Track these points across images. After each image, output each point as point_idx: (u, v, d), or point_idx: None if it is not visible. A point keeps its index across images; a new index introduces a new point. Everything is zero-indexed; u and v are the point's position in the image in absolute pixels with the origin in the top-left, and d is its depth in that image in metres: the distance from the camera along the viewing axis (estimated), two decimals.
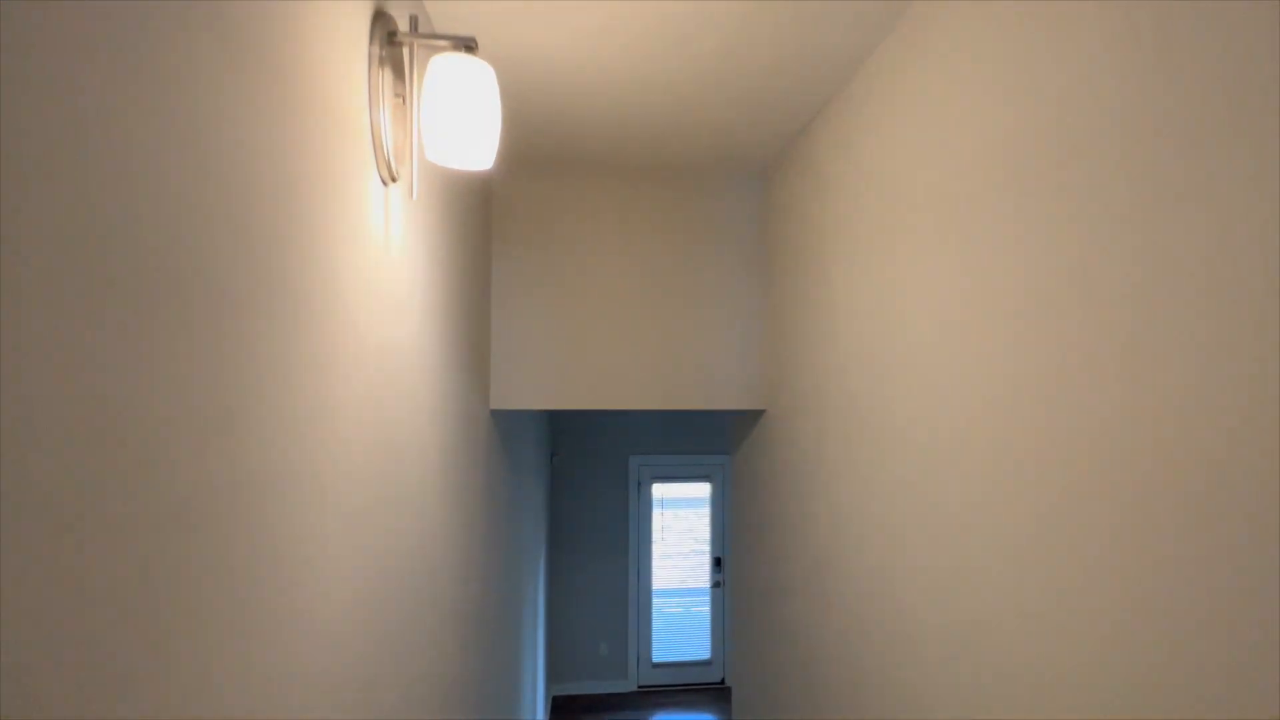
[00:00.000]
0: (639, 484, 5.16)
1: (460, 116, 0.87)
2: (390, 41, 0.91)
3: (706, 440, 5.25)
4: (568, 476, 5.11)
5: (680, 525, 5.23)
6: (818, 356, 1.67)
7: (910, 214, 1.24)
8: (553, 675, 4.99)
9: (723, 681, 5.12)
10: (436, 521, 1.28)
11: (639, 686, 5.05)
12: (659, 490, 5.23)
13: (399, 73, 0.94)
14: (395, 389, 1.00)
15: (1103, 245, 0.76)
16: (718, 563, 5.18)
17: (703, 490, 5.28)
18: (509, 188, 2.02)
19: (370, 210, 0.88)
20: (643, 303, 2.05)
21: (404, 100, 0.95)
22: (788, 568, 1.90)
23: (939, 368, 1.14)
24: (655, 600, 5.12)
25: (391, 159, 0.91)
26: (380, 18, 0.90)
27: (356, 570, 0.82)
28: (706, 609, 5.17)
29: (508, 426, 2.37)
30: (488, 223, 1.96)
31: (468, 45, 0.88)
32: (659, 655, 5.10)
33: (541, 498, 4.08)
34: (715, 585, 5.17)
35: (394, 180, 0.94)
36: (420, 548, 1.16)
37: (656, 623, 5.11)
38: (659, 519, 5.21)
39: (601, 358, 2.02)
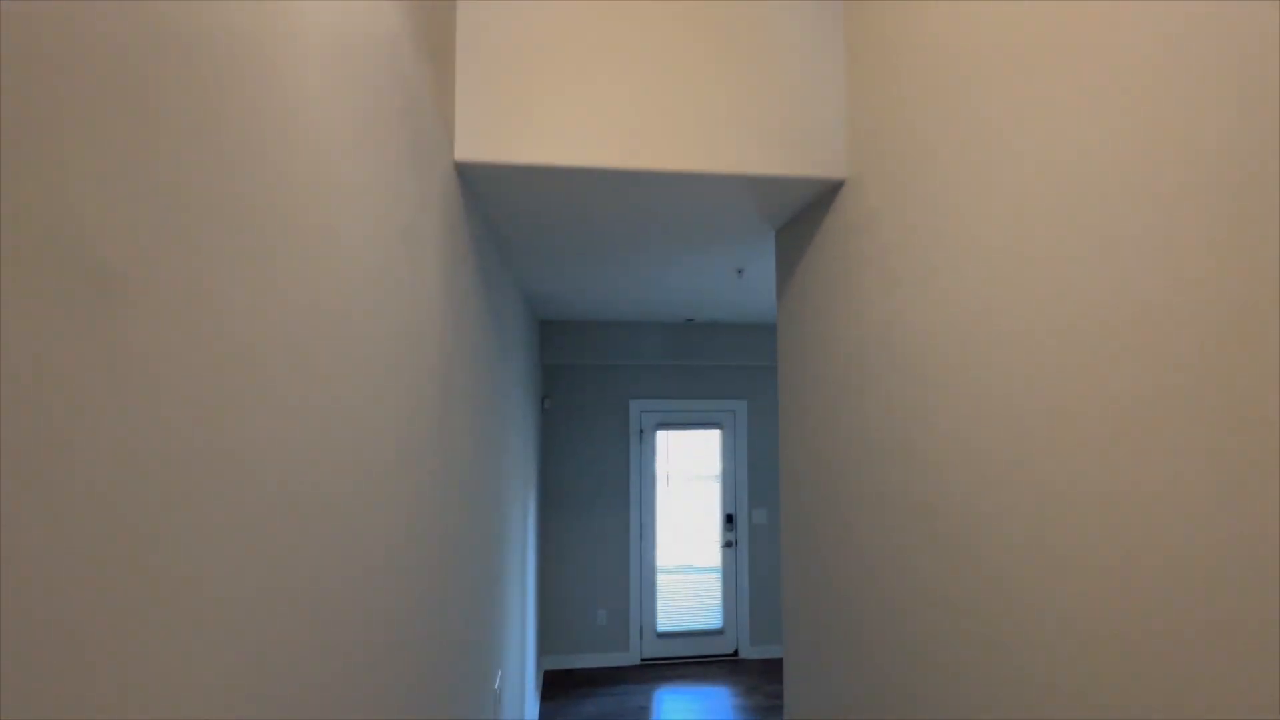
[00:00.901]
0: (641, 432, 4.57)
1: None
2: None
3: (716, 383, 4.67)
4: (561, 424, 4.51)
5: (688, 477, 4.65)
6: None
7: None
8: (544, 647, 4.40)
9: (736, 653, 4.56)
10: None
11: (642, 659, 4.48)
12: (664, 439, 4.65)
13: None
14: None
15: None
16: (729, 520, 4.61)
17: (712, 439, 4.71)
18: None
19: None
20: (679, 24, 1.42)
21: None
22: (880, 474, 1.31)
23: None
24: (660, 563, 4.54)
25: None
26: None
27: None
28: (717, 573, 4.60)
29: (483, 240, 1.75)
30: None
31: None
32: (664, 624, 4.52)
33: (531, 448, 3.49)
34: (727, 545, 4.60)
35: None
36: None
37: (661, 588, 4.54)
38: (664, 469, 4.63)
39: (620, 90, 1.38)
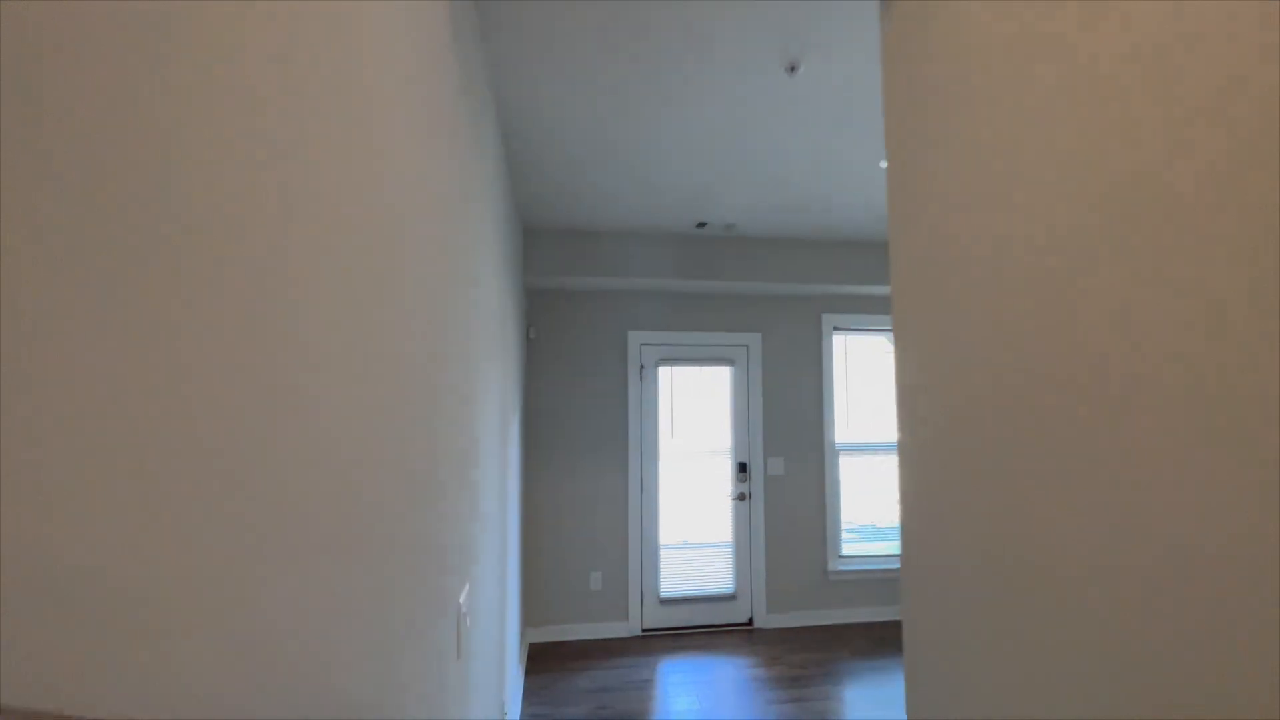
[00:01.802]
0: (641, 369, 3.97)
1: None
2: None
3: (727, 313, 4.09)
4: (549, 359, 3.89)
5: (694, 421, 4.06)
6: None
7: None
8: (529, 617, 3.77)
9: (750, 622, 3.98)
10: None
11: (643, 629, 3.87)
12: (668, 377, 4.05)
13: None
14: None
15: None
16: (742, 470, 4.03)
17: (722, 378, 4.12)
18: None
19: None
20: None
21: None
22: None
23: None
24: (664, 519, 3.94)
25: None
26: None
27: None
28: (729, 531, 4.02)
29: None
30: None
31: None
32: (669, 589, 3.92)
33: (514, 385, 2.87)
34: (740, 499, 4.02)
35: None
36: None
37: (665, 549, 3.94)
38: (668, 412, 4.03)
39: None
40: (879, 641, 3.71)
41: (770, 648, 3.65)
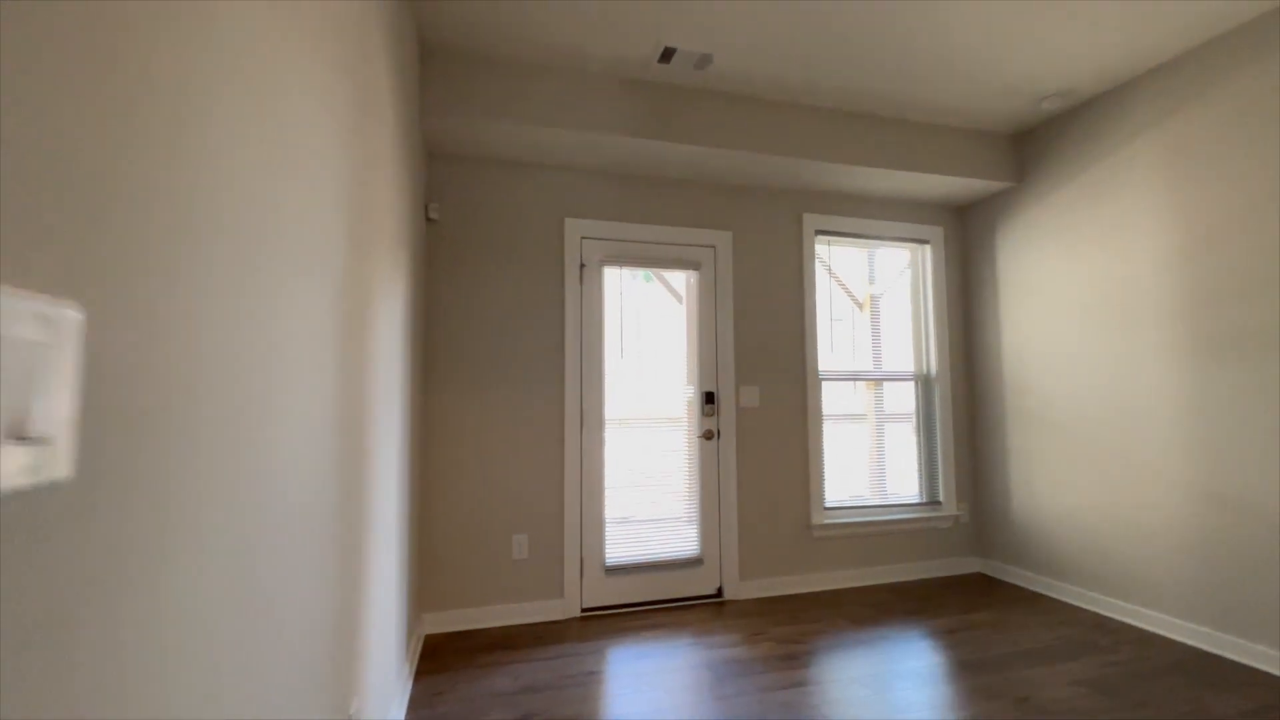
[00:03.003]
0: (582, 268, 3.04)
1: None
2: None
3: (692, 204, 3.24)
4: (457, 250, 2.88)
5: (649, 338, 3.18)
6: None
7: None
8: (424, 599, 2.74)
9: (720, 592, 3.14)
10: None
11: (584, 609, 2.94)
12: (615, 281, 3.14)
13: None
14: None
15: None
16: (709, 401, 3.19)
17: (685, 285, 3.27)
18: None
19: None
20: None
21: None
22: None
23: None
24: (610, 466, 3.03)
25: None
26: None
27: None
28: (693, 479, 3.16)
29: None
30: None
31: None
32: (616, 554, 3.02)
33: (401, 276, 1.89)
34: (707, 437, 3.18)
35: None
36: None
37: (612, 503, 3.02)
38: (616, 325, 3.12)
39: None
40: (879, 608, 2.97)
41: (748, 621, 2.82)
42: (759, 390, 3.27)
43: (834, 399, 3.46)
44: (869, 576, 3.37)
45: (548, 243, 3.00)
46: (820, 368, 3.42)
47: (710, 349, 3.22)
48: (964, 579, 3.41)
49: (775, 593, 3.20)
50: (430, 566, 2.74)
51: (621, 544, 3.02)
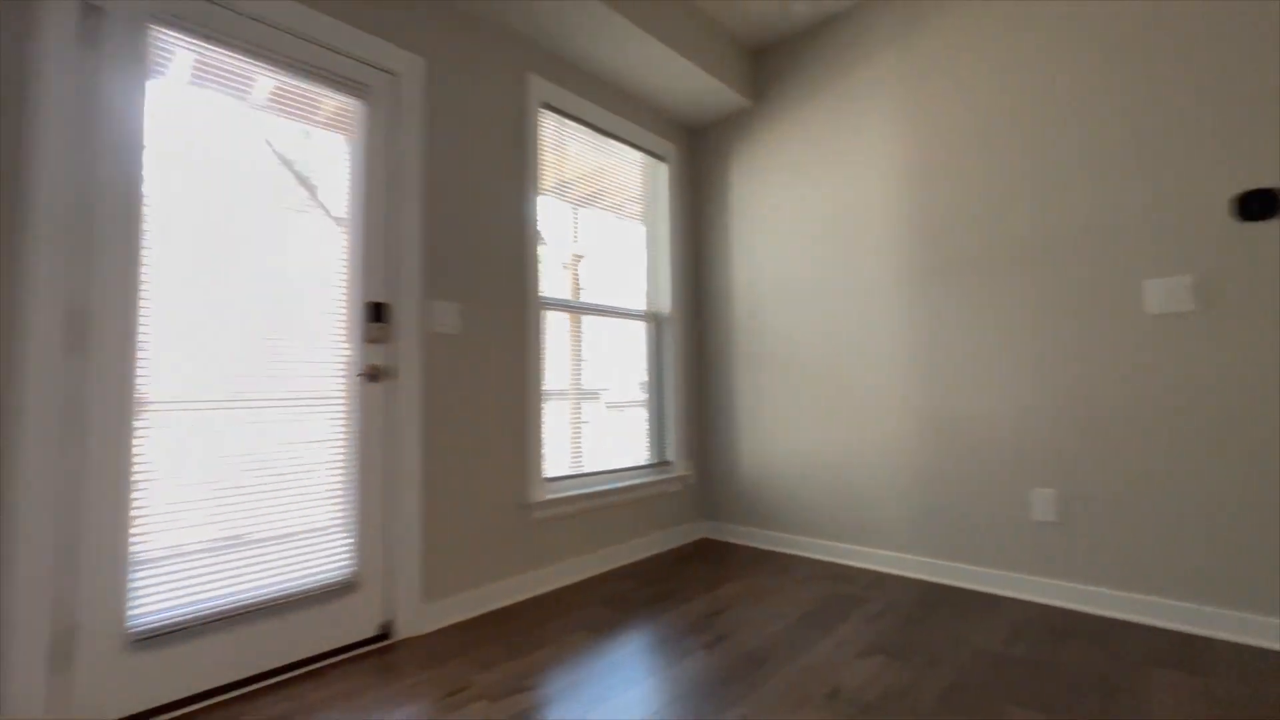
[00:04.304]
0: (88, 12, 1.45)
1: None
2: None
3: None
4: None
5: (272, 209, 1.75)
6: None
7: None
8: None
9: (387, 633, 1.93)
10: None
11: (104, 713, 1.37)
12: (180, 77, 1.62)
13: None
14: None
15: None
16: (376, 316, 1.95)
17: (341, 120, 1.94)
18: None
19: None
20: None
21: None
22: None
23: None
24: (148, 465, 1.52)
25: None
26: None
27: None
28: (341, 447, 1.87)
29: None
30: None
31: None
32: (170, 605, 1.52)
33: None
34: (369, 377, 1.93)
35: None
36: None
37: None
38: (178, 167, 1.61)
39: None
40: (619, 604, 2.22)
41: (438, 673, 1.71)
42: (459, 310, 2.17)
43: (556, 339, 2.60)
44: (601, 562, 2.61)
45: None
46: (544, 291, 2.52)
47: (378, 235, 1.98)
48: (697, 548, 2.95)
49: (482, 609, 2.15)
50: None
51: (184, 586, 1.54)
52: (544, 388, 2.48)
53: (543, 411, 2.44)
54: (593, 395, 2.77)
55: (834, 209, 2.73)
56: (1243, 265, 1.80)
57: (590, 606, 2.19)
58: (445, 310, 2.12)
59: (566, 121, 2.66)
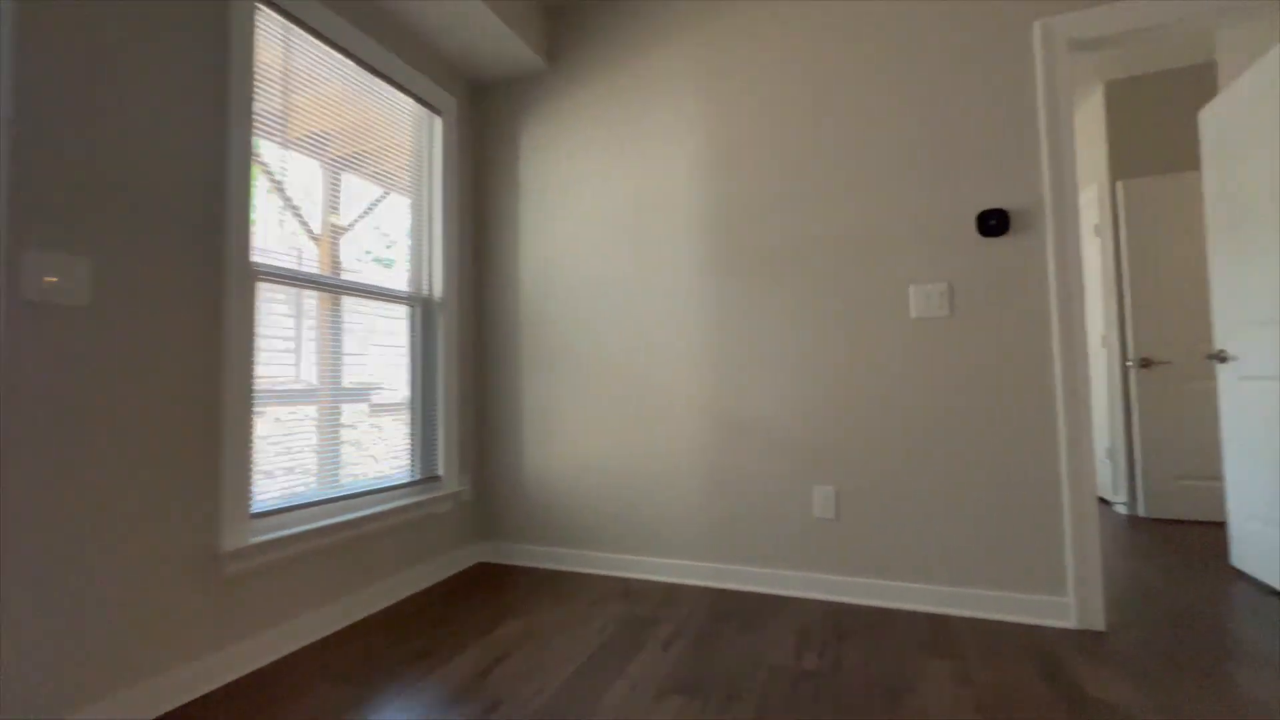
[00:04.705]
0: None
1: None
2: None
3: None
4: None
5: None
6: None
7: None
8: None
9: None
10: None
11: None
12: None
13: None
14: None
15: None
16: None
17: None
18: None
19: None
20: None
21: None
22: None
23: None
24: None
25: None
26: None
27: None
28: None
29: None
30: None
31: None
32: None
33: None
34: None
35: None
36: None
37: None
38: None
39: None
40: (363, 668, 1.68)
41: None
42: (89, 269, 1.42)
43: (274, 327, 1.93)
44: (343, 614, 2.01)
45: None
46: (257, 258, 1.84)
47: None
48: (473, 576, 2.50)
49: (144, 717, 1.43)
50: None
51: None
52: (255, 388, 1.81)
53: (253, 421, 1.78)
54: (360, 397, 2.15)
55: (633, 193, 2.53)
56: (982, 275, 2.01)
57: (316, 685, 1.61)
58: (56, 266, 1.35)
59: (311, 39, 2.00)
